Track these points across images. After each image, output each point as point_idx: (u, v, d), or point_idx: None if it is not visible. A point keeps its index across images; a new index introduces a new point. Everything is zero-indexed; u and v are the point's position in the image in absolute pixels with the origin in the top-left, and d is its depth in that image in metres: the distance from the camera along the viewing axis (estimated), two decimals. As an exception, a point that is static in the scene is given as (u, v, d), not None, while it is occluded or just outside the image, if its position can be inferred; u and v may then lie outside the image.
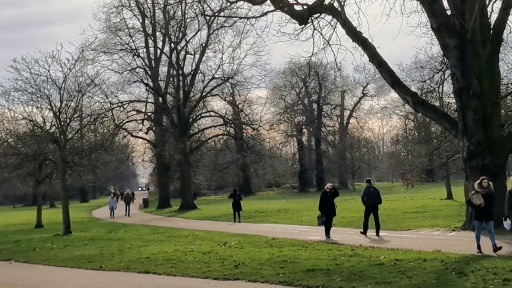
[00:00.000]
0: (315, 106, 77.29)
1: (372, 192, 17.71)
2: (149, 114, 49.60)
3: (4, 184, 43.89)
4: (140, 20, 49.63)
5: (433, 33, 18.19)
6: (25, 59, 25.02)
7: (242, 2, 21.18)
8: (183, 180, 48.52)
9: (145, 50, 49.97)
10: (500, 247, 11.95)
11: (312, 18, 19.45)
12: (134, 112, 48.17)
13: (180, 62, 49.05)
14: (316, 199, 50.84)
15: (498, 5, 18.71)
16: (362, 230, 17.40)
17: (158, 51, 50.39)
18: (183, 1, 29.56)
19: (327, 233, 17.34)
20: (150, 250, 15.44)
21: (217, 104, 66.48)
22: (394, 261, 10.79)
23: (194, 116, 51.02)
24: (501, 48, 19.23)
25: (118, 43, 48.09)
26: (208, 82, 49.36)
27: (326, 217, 17.54)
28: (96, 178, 40.44)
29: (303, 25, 19.39)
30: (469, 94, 16.74)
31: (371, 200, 17.51)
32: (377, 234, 16.89)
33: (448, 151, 30.95)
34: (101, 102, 32.45)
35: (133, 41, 48.75)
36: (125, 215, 38.43)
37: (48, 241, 20.79)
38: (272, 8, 19.51)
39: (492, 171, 16.29)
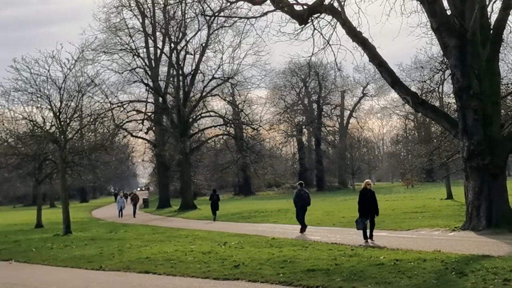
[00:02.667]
0: (315, 106, 77.32)
1: (303, 195, 19.36)
2: (149, 114, 49.61)
3: (4, 184, 43.93)
4: (140, 20, 49.67)
5: (433, 33, 18.18)
6: (25, 59, 25.09)
7: (242, 2, 21.19)
8: (183, 180, 48.53)
9: (145, 50, 50.03)
10: None
11: (312, 18, 19.44)
12: (134, 112, 48.19)
13: (180, 62, 49.07)
14: (315, 199, 50.97)
15: (498, 5, 18.72)
16: (300, 229, 18.96)
17: (158, 51, 50.43)
18: (183, 1, 29.54)
19: (366, 236, 15.14)
20: (150, 250, 15.44)
21: (217, 104, 66.42)
22: (394, 261, 10.79)
23: (194, 116, 51.03)
24: (501, 48, 19.21)
25: (118, 43, 48.16)
26: (208, 82, 49.44)
27: (368, 219, 15.18)
28: (96, 178, 40.42)
29: (303, 25, 19.38)
30: (469, 94, 16.73)
31: (302, 202, 19.19)
32: (303, 231, 18.91)
33: (448, 151, 30.95)
34: (101, 102, 32.45)
35: (133, 41, 48.85)
36: (133, 216, 37.66)
37: (48, 241, 20.79)
38: (272, 8, 19.50)
39: (492, 171, 16.29)
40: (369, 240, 14.87)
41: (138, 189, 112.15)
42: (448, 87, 28.29)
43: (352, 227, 20.61)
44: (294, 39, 20.09)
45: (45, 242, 20.46)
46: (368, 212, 15.17)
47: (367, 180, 16.29)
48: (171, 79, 50.22)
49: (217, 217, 29.30)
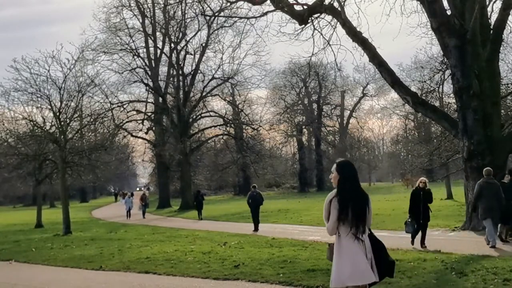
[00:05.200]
0: (315, 106, 77.27)
1: (256, 196, 21.72)
2: (149, 114, 49.63)
3: (4, 184, 43.89)
4: (140, 20, 49.69)
5: (433, 33, 18.18)
6: (25, 59, 25.12)
7: (242, 2, 21.21)
8: (183, 180, 48.53)
9: (145, 50, 50.04)
10: None
11: (312, 18, 19.44)
12: (134, 112, 48.20)
13: (180, 62, 49.08)
14: (315, 199, 50.91)
15: (498, 5, 18.75)
16: (254, 229, 21.06)
17: (158, 51, 50.44)
18: (183, 1, 29.59)
19: (413, 240, 13.76)
20: (150, 250, 15.44)
21: (217, 104, 66.49)
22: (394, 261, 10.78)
23: (194, 116, 51.04)
24: (501, 48, 19.23)
25: (118, 43, 48.17)
26: (208, 82, 49.45)
27: (418, 223, 13.72)
28: (96, 178, 40.37)
29: (303, 25, 19.39)
30: (469, 94, 16.74)
31: (255, 203, 21.50)
32: (256, 229, 20.94)
33: (448, 151, 30.94)
34: (101, 102, 32.56)
35: (133, 41, 48.87)
36: (143, 216, 36.03)
37: (48, 241, 20.79)
38: (272, 8, 19.51)
39: (492, 171, 16.28)
40: (419, 246, 13.38)
41: (137, 189, 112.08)
42: (448, 87, 28.32)
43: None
44: (294, 39, 20.12)
45: (45, 242, 20.46)
46: (419, 214, 13.61)
47: (421, 178, 14.44)
48: (171, 79, 50.24)
49: (203, 216, 31.19)
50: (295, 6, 19.23)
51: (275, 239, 16.75)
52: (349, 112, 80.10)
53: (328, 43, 19.62)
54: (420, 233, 13.66)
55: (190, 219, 32.41)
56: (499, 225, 13.81)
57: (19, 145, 29.13)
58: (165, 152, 47.81)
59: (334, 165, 5.78)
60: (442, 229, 17.62)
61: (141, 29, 49.67)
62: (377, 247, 5.75)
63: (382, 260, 5.70)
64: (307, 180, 77.16)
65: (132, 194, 46.19)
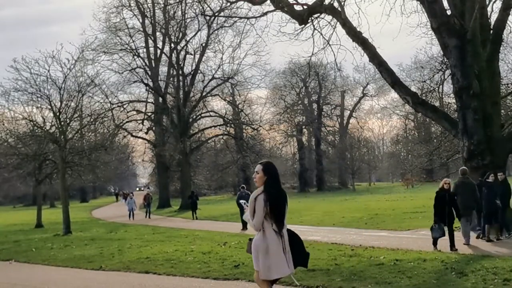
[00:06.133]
0: (315, 106, 77.28)
1: (245, 196, 21.45)
2: (149, 114, 49.64)
3: (4, 184, 43.93)
4: (140, 20, 49.69)
5: (433, 33, 18.18)
6: (25, 59, 25.12)
7: (242, 2, 21.20)
8: (183, 180, 48.52)
9: (145, 50, 50.03)
10: None
11: (312, 18, 19.44)
12: (134, 112, 48.21)
13: (180, 62, 49.07)
14: (315, 199, 50.77)
15: (498, 5, 18.74)
16: (242, 228, 21.67)
17: (158, 51, 50.43)
18: (183, 1, 29.56)
19: (436, 243, 13.03)
20: (150, 250, 15.44)
21: (217, 104, 66.49)
22: (394, 261, 10.79)
23: (194, 116, 51.03)
24: (501, 48, 19.22)
25: (118, 43, 48.17)
26: (208, 82, 49.43)
27: (446, 225, 12.97)
28: (96, 178, 40.36)
29: (303, 25, 19.38)
30: (469, 94, 16.73)
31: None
32: (244, 228, 21.43)
33: (448, 151, 30.95)
34: (101, 102, 32.53)
35: (133, 41, 48.85)
36: (146, 216, 35.65)
37: (48, 241, 20.79)
38: (272, 8, 19.51)
39: (495, 170, 16.27)
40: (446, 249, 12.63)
41: (137, 189, 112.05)
42: (448, 87, 28.32)
43: (352, 227, 20.66)
44: (294, 39, 20.11)
45: (45, 242, 20.46)
46: (445, 217, 12.96)
47: (445, 179, 13.71)
48: (171, 79, 50.23)
49: (198, 216, 31.69)
50: (295, 6, 19.24)
51: (275, 239, 16.72)
52: (349, 112, 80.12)
53: (328, 43, 19.62)
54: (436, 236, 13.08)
55: (190, 219, 32.42)
56: (487, 226, 14.16)
57: (19, 145, 29.12)
58: (165, 152, 47.80)
59: (260, 166, 6.23)
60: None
61: (141, 29, 49.67)
62: (294, 240, 6.36)
63: (296, 252, 6.32)
64: (307, 180, 77.15)
65: (123, 194, 45.95)
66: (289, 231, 6.38)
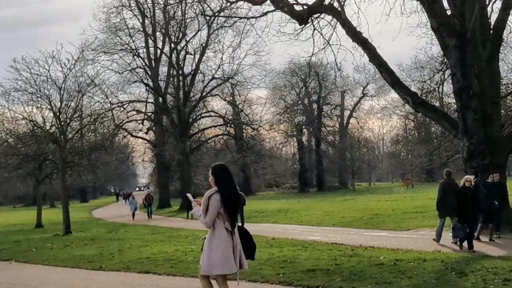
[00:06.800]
0: (315, 106, 77.29)
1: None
2: (149, 114, 49.64)
3: (4, 184, 43.89)
4: (140, 20, 49.70)
5: (433, 33, 18.17)
6: (25, 59, 25.13)
7: (242, 2, 21.16)
8: (183, 180, 48.52)
9: (145, 50, 50.07)
10: None
11: (312, 18, 19.42)
12: (134, 112, 48.21)
13: (180, 62, 49.09)
14: (315, 199, 50.67)
15: (498, 5, 18.73)
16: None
17: (158, 51, 50.46)
18: (183, 1, 29.52)
19: (462, 244, 12.66)
20: (150, 250, 15.44)
21: (217, 104, 66.46)
22: (394, 261, 10.79)
23: (194, 116, 51.04)
24: (501, 48, 19.22)
25: (118, 43, 48.20)
26: (208, 82, 49.47)
27: (469, 226, 12.45)
28: (96, 178, 40.39)
29: (303, 25, 19.36)
30: (469, 94, 16.72)
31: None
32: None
33: (448, 151, 30.94)
34: (101, 102, 32.45)
35: (133, 41, 48.89)
36: (148, 217, 35.43)
37: (48, 241, 20.80)
38: (272, 8, 19.48)
39: (492, 171, 16.28)
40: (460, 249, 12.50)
41: (137, 189, 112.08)
42: (448, 87, 28.30)
43: (352, 227, 20.67)
44: (294, 39, 20.08)
45: (45, 242, 20.46)
46: (468, 217, 12.46)
47: (466, 176, 13.03)
48: (171, 79, 50.25)
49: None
50: (295, 6, 19.21)
51: (275, 239, 16.75)
52: (349, 112, 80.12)
53: (328, 43, 19.60)
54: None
55: (190, 219, 32.42)
56: (479, 224, 14.26)
57: (19, 145, 29.13)
58: (165, 152, 47.82)
59: (210, 169, 6.65)
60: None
61: (141, 29, 49.68)
62: (244, 236, 6.58)
63: (245, 245, 6.55)
64: (307, 180, 77.16)
65: (124, 194, 45.86)
66: (240, 228, 6.64)
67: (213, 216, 6.33)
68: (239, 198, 6.66)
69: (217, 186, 6.45)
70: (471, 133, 16.73)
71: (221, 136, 56.43)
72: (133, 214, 35.53)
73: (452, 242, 13.41)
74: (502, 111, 22.00)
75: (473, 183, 12.83)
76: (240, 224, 6.65)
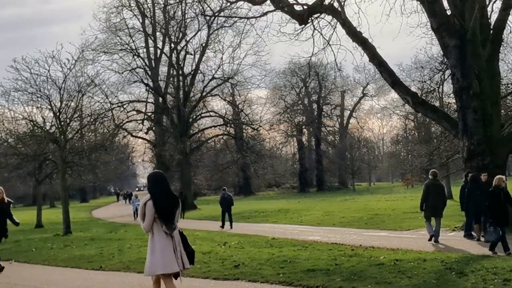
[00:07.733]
0: (315, 106, 77.27)
1: (227, 198, 23.81)
2: (149, 114, 49.61)
3: (4, 184, 43.71)
4: (140, 20, 49.69)
5: (433, 33, 18.17)
6: (25, 59, 25.15)
7: (242, 2, 21.16)
8: (183, 180, 48.52)
9: (145, 50, 50.04)
10: None
11: (312, 18, 19.42)
12: (134, 112, 48.19)
13: (180, 62, 49.08)
14: (315, 199, 50.64)
15: (498, 5, 18.73)
16: (221, 225, 23.26)
17: (158, 51, 50.43)
18: (183, 1, 29.53)
19: (506, 246, 11.83)
20: (150, 250, 15.40)
21: (217, 104, 66.55)
22: (394, 261, 10.78)
23: (194, 116, 51.04)
24: (501, 48, 19.22)
25: (118, 43, 48.17)
26: (208, 82, 49.47)
27: (501, 227, 11.83)
28: (96, 178, 40.37)
29: (303, 25, 19.36)
30: (469, 94, 16.73)
31: (227, 203, 23.45)
32: (231, 227, 22.64)
33: (448, 151, 30.96)
34: (101, 102, 32.41)
35: (133, 41, 48.85)
36: None
37: (48, 241, 20.80)
38: (272, 8, 19.49)
39: (492, 171, 16.27)
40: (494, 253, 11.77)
41: (136, 189, 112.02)
42: (448, 87, 28.35)
43: (352, 227, 20.67)
44: (294, 39, 20.09)
45: (45, 242, 20.46)
46: (501, 218, 11.84)
47: (499, 176, 12.29)
48: (171, 79, 50.24)
49: (187, 215, 33.07)
50: (295, 6, 19.22)
51: (275, 239, 16.75)
52: (349, 112, 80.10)
53: (328, 43, 19.60)
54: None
55: (190, 219, 32.42)
56: (475, 225, 14.77)
57: (19, 145, 29.14)
58: (165, 152, 47.79)
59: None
60: (442, 229, 17.58)
61: (141, 29, 49.67)
62: (184, 240, 7.03)
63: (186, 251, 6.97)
64: (307, 180, 77.13)
65: (124, 194, 45.78)
66: (180, 232, 7.08)
67: (149, 221, 6.79)
68: (175, 203, 6.95)
69: (149, 193, 6.82)
70: (471, 133, 16.73)
71: (221, 136, 56.41)
72: (135, 214, 35.63)
73: (464, 236, 14.11)
74: (502, 111, 22.01)
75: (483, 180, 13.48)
76: (178, 226, 7.14)
